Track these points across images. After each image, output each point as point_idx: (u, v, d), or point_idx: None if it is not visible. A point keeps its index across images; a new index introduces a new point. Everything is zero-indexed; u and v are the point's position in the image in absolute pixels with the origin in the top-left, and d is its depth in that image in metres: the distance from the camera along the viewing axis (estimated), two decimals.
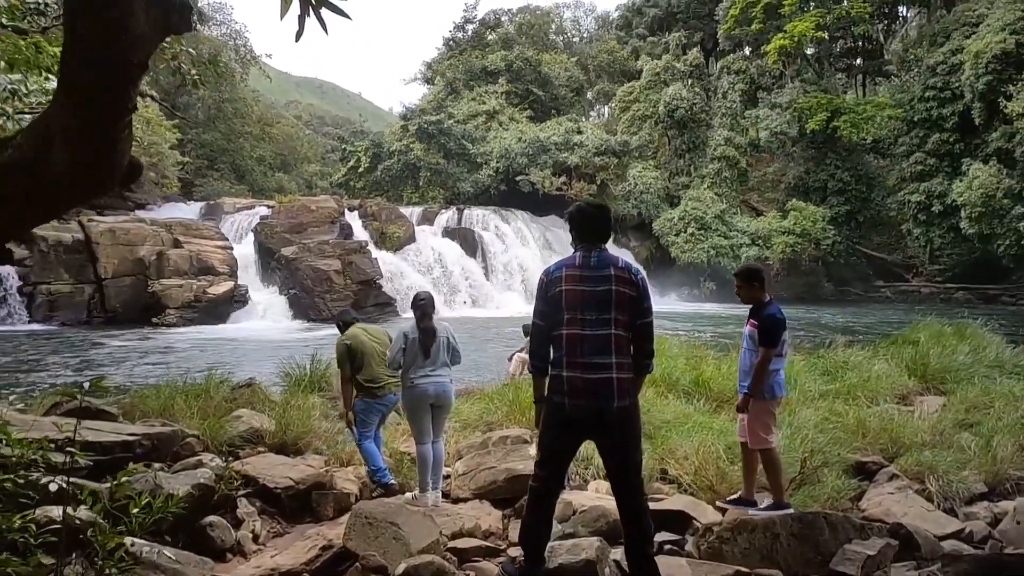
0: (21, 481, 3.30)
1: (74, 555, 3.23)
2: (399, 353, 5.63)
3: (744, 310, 5.15)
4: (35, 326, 22.50)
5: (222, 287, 25.25)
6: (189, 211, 31.76)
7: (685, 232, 36.45)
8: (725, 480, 5.43)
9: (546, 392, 3.81)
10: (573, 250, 3.92)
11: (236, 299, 25.58)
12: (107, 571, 3.08)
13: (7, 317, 22.46)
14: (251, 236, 29.45)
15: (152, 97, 24.21)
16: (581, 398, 3.64)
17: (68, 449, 2.97)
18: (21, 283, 22.98)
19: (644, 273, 3.97)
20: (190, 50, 7.74)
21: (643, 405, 4.92)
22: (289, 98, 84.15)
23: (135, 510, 3.31)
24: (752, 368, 4.86)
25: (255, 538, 4.84)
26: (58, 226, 24.51)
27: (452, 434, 7.15)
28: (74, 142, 1.86)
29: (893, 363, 9.50)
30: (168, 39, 7.46)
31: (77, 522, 3.37)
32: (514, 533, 4.92)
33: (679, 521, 4.88)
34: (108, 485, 3.60)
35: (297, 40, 2.17)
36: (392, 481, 5.87)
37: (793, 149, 40.02)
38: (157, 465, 4.92)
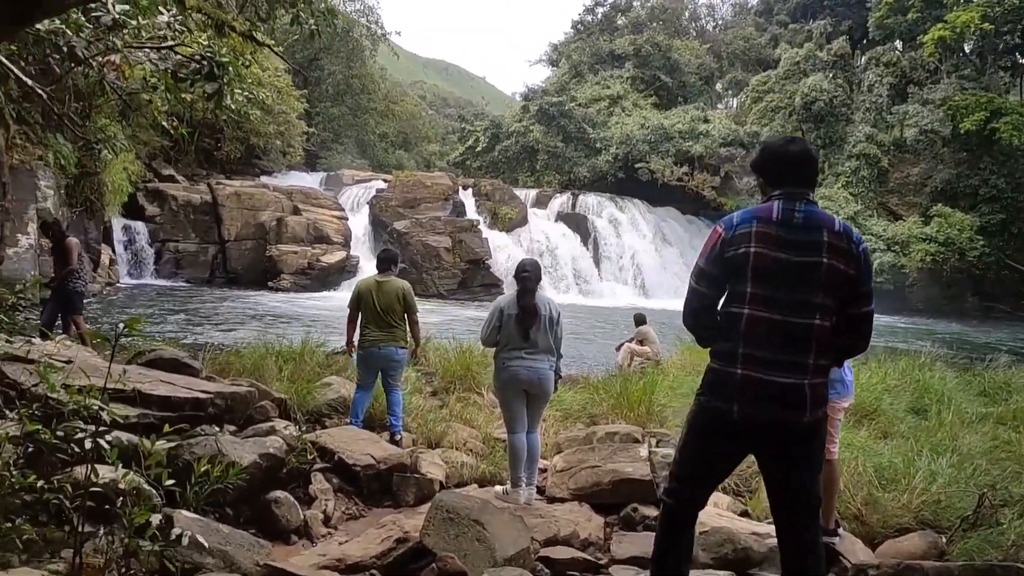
0: (61, 434, 2.87)
1: (101, 527, 2.76)
2: (492, 331, 4.93)
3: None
4: (161, 281, 23.47)
5: (335, 256, 25.60)
6: (311, 180, 32.49)
7: None
8: (877, 510, 4.53)
9: (700, 390, 2.81)
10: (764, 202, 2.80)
11: (347, 269, 25.86)
12: (133, 547, 2.59)
13: (137, 271, 23.52)
14: (366, 208, 29.74)
15: (288, 65, 24.74)
16: (759, 405, 2.61)
17: (92, 401, 2.47)
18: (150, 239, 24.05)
19: (867, 244, 2.82)
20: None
21: None
22: (415, 78, 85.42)
23: (169, 481, 2.80)
24: None
25: (326, 520, 4.34)
26: (189, 187, 25.54)
27: (551, 424, 6.52)
28: None
29: None
30: None
31: (121, 486, 2.92)
32: (617, 546, 4.28)
33: None
34: (170, 445, 3.15)
35: None
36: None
37: (943, 150, 36.72)
38: (229, 428, 4.51)
